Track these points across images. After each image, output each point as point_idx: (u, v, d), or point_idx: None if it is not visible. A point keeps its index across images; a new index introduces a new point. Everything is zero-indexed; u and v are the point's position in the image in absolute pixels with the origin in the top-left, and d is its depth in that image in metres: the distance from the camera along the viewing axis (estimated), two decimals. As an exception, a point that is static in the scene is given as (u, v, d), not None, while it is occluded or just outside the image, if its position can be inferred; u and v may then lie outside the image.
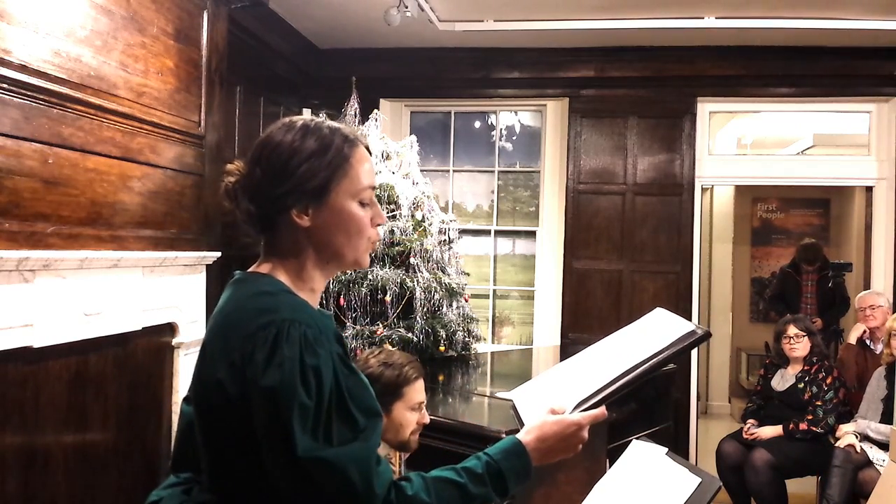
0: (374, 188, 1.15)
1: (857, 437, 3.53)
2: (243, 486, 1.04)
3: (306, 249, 1.11)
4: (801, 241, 5.95)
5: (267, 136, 1.12)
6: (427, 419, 1.94)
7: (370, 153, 1.16)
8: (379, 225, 1.15)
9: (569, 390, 1.21)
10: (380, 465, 1.03)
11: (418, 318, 3.59)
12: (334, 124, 1.14)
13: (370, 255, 1.18)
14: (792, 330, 3.86)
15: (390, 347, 1.89)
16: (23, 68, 2.17)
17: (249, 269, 1.14)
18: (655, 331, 1.23)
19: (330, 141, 1.10)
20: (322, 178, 1.08)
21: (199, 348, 3.31)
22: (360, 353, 2.02)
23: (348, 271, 3.62)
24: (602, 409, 1.17)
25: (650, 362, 1.19)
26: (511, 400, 1.33)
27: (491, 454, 1.11)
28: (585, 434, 1.16)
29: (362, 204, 1.12)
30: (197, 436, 1.09)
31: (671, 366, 3.90)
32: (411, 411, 1.87)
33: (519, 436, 1.15)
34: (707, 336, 1.24)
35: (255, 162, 1.10)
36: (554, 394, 1.22)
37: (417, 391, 1.88)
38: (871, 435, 3.52)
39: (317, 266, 1.12)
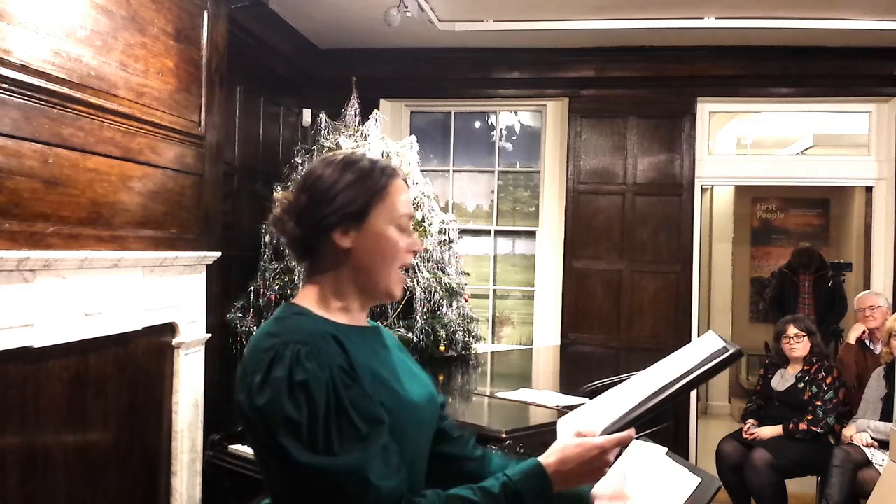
0: (410, 216, 1.24)
1: (867, 436, 3.52)
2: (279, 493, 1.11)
3: (344, 270, 1.19)
4: (798, 245, 5.95)
5: (312, 167, 1.23)
6: None
7: (408, 185, 1.26)
8: (414, 252, 1.24)
9: (604, 414, 1.18)
10: (390, 476, 1.04)
11: (418, 318, 3.60)
12: (375, 157, 1.25)
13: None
14: (792, 330, 3.86)
15: None
16: (23, 68, 2.17)
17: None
18: (694, 352, 1.20)
19: (369, 170, 1.20)
20: (361, 202, 1.17)
21: (199, 348, 3.31)
22: None
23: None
24: (629, 433, 1.14)
25: (677, 385, 1.15)
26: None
27: (510, 475, 1.11)
28: (611, 458, 1.13)
29: (400, 230, 1.21)
30: None
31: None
32: None
33: (541, 458, 1.13)
34: (738, 355, 1.17)
35: (300, 189, 1.21)
36: (591, 418, 1.19)
37: None
38: (871, 434, 3.52)
39: (353, 287, 1.20)
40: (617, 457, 1.15)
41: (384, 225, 1.19)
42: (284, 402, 1.02)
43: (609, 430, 1.13)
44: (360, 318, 1.23)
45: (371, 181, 1.19)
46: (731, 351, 1.18)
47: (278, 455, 1.03)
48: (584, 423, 1.17)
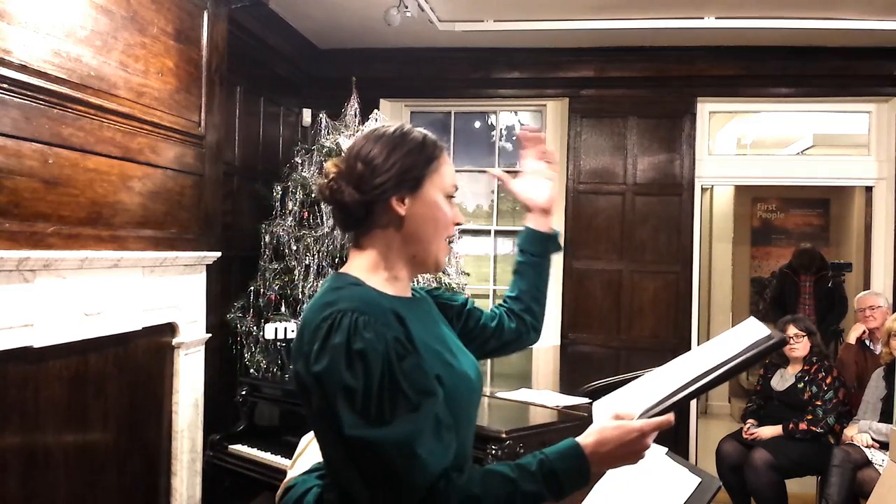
0: (456, 187, 1.28)
1: (869, 437, 3.52)
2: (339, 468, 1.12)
3: (396, 237, 1.21)
4: (798, 245, 5.95)
5: (362, 140, 1.25)
6: None
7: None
8: (457, 224, 1.27)
9: (641, 397, 1.17)
10: (437, 451, 1.05)
11: (418, 318, 3.59)
12: (423, 130, 1.28)
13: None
14: (792, 330, 3.86)
15: None
16: (23, 68, 2.17)
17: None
18: (735, 339, 1.18)
19: (422, 141, 1.24)
20: (418, 170, 1.21)
21: (199, 348, 3.31)
22: None
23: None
24: (668, 417, 1.13)
25: (719, 371, 1.13)
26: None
27: (547, 453, 1.11)
28: (649, 441, 1.13)
29: (449, 198, 1.25)
30: None
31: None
32: None
33: (579, 438, 1.13)
34: (782, 343, 1.15)
35: (354, 158, 1.22)
36: (628, 401, 1.19)
37: None
38: (872, 435, 3.52)
39: (402, 255, 1.23)
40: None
41: (436, 193, 1.22)
42: (342, 369, 1.04)
43: (648, 414, 1.12)
44: (407, 289, 1.26)
45: (425, 151, 1.23)
46: (776, 339, 1.16)
47: (332, 421, 1.05)
48: (622, 405, 1.17)
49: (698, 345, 4.92)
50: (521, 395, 2.91)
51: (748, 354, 1.14)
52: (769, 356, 1.17)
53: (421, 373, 1.09)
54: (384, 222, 1.21)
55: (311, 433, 2.01)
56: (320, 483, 1.23)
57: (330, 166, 1.24)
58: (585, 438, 1.12)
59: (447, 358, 1.17)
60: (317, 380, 1.06)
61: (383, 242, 1.21)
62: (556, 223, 5.15)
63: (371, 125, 4.06)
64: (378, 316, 1.10)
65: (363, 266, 1.21)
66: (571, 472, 1.09)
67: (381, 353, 1.05)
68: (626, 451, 1.12)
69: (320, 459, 1.23)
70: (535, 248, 1.59)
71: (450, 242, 1.28)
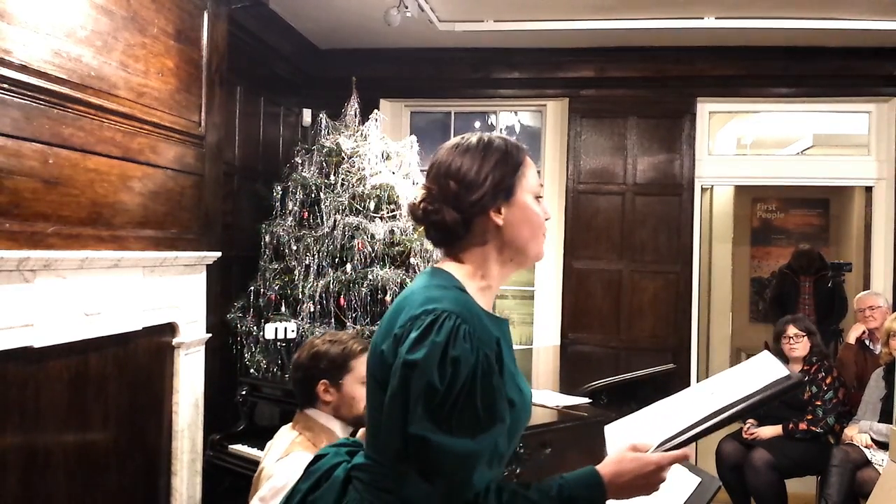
0: (542, 186, 1.33)
1: (868, 437, 3.52)
2: (388, 455, 1.13)
3: (492, 247, 1.24)
4: (798, 246, 5.94)
5: (448, 153, 1.26)
6: None
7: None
8: (547, 219, 1.30)
9: (656, 428, 1.19)
10: (485, 477, 1.07)
11: (418, 318, 3.59)
12: (502, 135, 1.31)
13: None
14: (791, 330, 3.86)
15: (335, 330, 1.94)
16: (23, 68, 2.17)
17: (438, 264, 1.28)
18: (753, 375, 1.20)
19: (506, 149, 1.26)
20: (509, 178, 1.24)
21: (199, 348, 3.31)
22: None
23: (349, 271, 3.62)
24: (684, 451, 1.17)
25: (736, 408, 1.16)
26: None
27: (567, 479, 1.14)
28: (665, 475, 1.16)
29: (538, 198, 1.28)
30: (367, 402, 1.23)
31: (671, 365, 3.92)
32: (362, 384, 1.88)
33: (598, 467, 1.16)
34: (801, 385, 1.21)
35: (444, 177, 1.24)
36: (643, 431, 1.20)
37: (365, 364, 1.90)
38: (872, 436, 3.52)
39: (498, 263, 1.25)
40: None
41: (528, 197, 1.25)
42: (434, 367, 1.05)
43: (665, 447, 1.15)
44: (493, 298, 1.28)
45: (512, 158, 1.25)
46: (794, 380, 1.19)
47: (402, 411, 1.07)
48: (638, 435, 1.20)
49: (697, 345, 4.94)
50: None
51: (766, 394, 1.17)
52: (787, 396, 1.20)
53: (498, 396, 1.10)
54: (483, 233, 1.23)
55: (287, 427, 2.03)
56: (349, 459, 1.25)
57: (421, 190, 1.27)
58: (605, 468, 1.15)
59: (520, 383, 1.20)
60: (406, 367, 1.07)
61: (481, 252, 1.24)
62: (557, 223, 5.17)
63: (371, 125, 4.06)
64: (478, 329, 1.11)
65: (462, 273, 1.23)
66: (589, 499, 1.12)
67: (471, 366, 1.07)
68: (643, 482, 1.15)
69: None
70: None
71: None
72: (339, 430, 1.94)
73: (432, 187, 1.25)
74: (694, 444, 4.34)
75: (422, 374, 1.06)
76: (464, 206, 1.22)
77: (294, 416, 2.03)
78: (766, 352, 1.27)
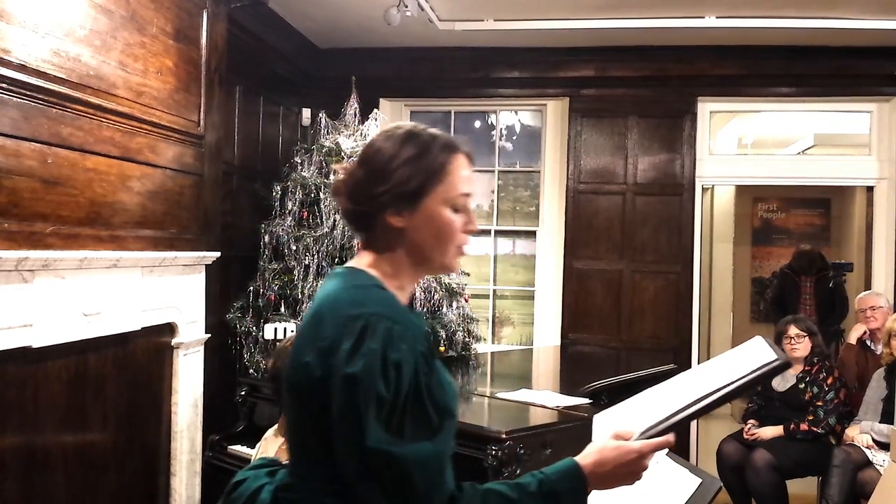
0: (469, 195, 1.18)
1: (869, 437, 3.52)
2: (319, 471, 1.08)
3: (399, 249, 1.15)
4: (799, 246, 5.93)
5: (373, 140, 1.20)
6: None
7: (471, 160, 1.20)
8: (471, 231, 1.19)
9: (643, 416, 1.16)
10: (450, 475, 1.05)
11: (418, 319, 3.59)
12: (437, 131, 1.19)
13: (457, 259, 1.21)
14: (793, 330, 3.85)
15: None
16: (22, 68, 2.17)
17: (348, 263, 1.20)
18: (741, 359, 1.17)
19: (428, 147, 1.15)
20: (417, 182, 1.13)
21: (198, 348, 3.31)
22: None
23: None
24: (668, 438, 1.13)
25: (720, 392, 1.12)
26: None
27: (546, 473, 1.10)
28: (647, 462, 1.12)
29: (455, 210, 1.16)
30: (287, 416, 1.16)
31: (672, 366, 3.91)
32: None
33: (578, 458, 1.13)
34: (786, 366, 1.14)
35: (360, 162, 1.18)
36: (630, 419, 1.18)
37: None
38: (873, 436, 3.52)
39: (408, 266, 1.17)
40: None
41: (438, 206, 1.14)
42: (377, 376, 1.00)
43: (648, 434, 1.12)
44: (407, 300, 1.21)
45: (429, 159, 1.14)
46: (779, 361, 1.15)
47: (354, 429, 1.00)
48: (623, 423, 1.17)
49: (698, 345, 4.93)
50: (521, 395, 2.91)
51: (750, 377, 1.13)
52: (772, 378, 1.16)
53: (442, 392, 1.07)
54: (385, 234, 1.15)
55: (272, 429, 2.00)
56: (271, 481, 1.19)
57: (340, 168, 1.21)
58: (585, 458, 1.12)
59: (446, 377, 1.15)
60: (348, 382, 1.01)
61: (388, 253, 1.16)
62: (557, 223, 5.17)
63: (370, 125, 4.06)
64: (410, 328, 1.07)
65: (376, 273, 1.15)
66: (570, 492, 1.09)
67: (412, 367, 1.03)
68: (625, 471, 1.11)
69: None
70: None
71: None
72: None
73: (348, 169, 1.18)
74: (695, 443, 4.28)
75: (367, 386, 0.99)
76: (359, 199, 1.14)
77: (278, 421, 2.01)
78: (758, 336, 1.22)
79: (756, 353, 1.18)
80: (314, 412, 1.06)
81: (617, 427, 1.16)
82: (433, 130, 1.18)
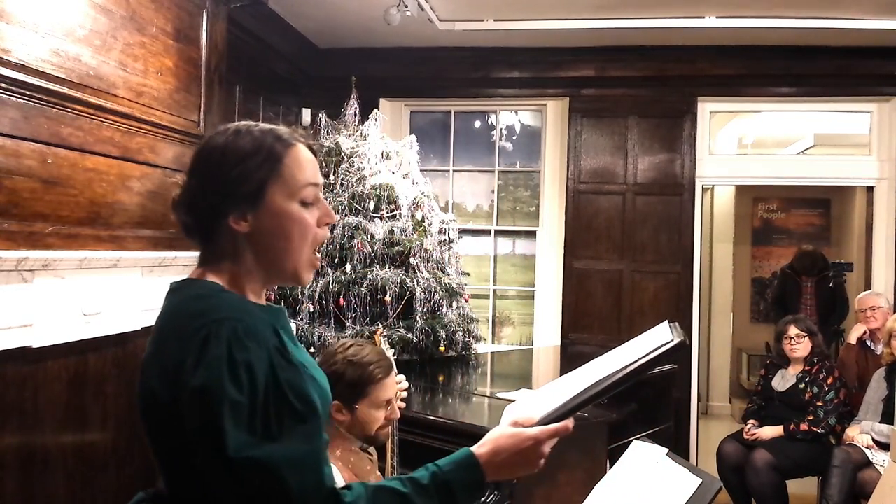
0: (316, 185, 1.10)
1: (869, 438, 3.52)
2: (191, 493, 1.02)
3: (245, 256, 1.08)
4: (800, 247, 5.93)
5: (200, 145, 1.11)
6: (397, 414, 1.89)
7: (314, 151, 1.13)
8: (328, 224, 1.11)
9: (545, 402, 1.13)
10: (327, 470, 0.99)
11: (418, 319, 3.59)
12: (269, 126, 1.11)
13: (319, 262, 1.14)
14: (793, 330, 3.86)
15: (362, 341, 1.82)
16: (22, 68, 2.17)
17: (186, 276, 1.11)
18: (643, 343, 1.14)
19: (260, 142, 1.07)
20: (255, 180, 1.05)
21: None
22: (331, 345, 1.99)
23: (349, 271, 3.62)
24: (565, 424, 1.08)
25: (614, 378, 1.08)
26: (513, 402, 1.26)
27: (440, 465, 1.06)
28: (545, 449, 1.08)
29: (304, 204, 1.08)
30: (149, 446, 1.08)
31: (671, 366, 3.91)
32: (377, 409, 1.84)
33: (474, 447, 1.09)
34: (681, 347, 1.09)
35: (191, 173, 1.09)
36: (537, 404, 1.14)
37: (385, 389, 1.85)
38: (873, 436, 3.52)
39: (254, 274, 1.09)
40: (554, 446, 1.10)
41: (284, 202, 1.06)
42: (225, 381, 0.93)
43: (546, 420, 1.09)
44: (262, 300, 1.14)
45: (263, 154, 1.06)
46: (673, 343, 1.09)
47: (212, 443, 0.93)
48: (524, 411, 1.13)
49: (698, 345, 4.93)
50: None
51: (644, 360, 1.08)
52: (668, 360, 1.09)
53: (303, 385, 1.01)
54: (229, 242, 1.07)
55: None
56: None
57: (175, 180, 1.11)
58: (480, 448, 1.08)
59: (312, 371, 1.09)
60: (195, 395, 0.94)
61: (230, 262, 1.07)
62: (557, 223, 5.17)
63: (370, 125, 4.06)
64: (257, 324, 1.00)
65: (220, 280, 1.07)
66: (465, 482, 1.05)
67: (266, 364, 0.97)
68: (522, 459, 1.08)
69: None
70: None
71: (318, 250, 1.13)
72: (351, 443, 1.86)
73: (183, 182, 1.10)
74: (695, 443, 4.28)
75: (216, 394, 0.93)
76: (198, 209, 1.07)
77: None
78: (665, 322, 1.18)
79: (657, 337, 1.14)
80: (170, 437, 1.00)
81: (517, 414, 1.12)
82: (265, 125, 1.11)
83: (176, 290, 1.10)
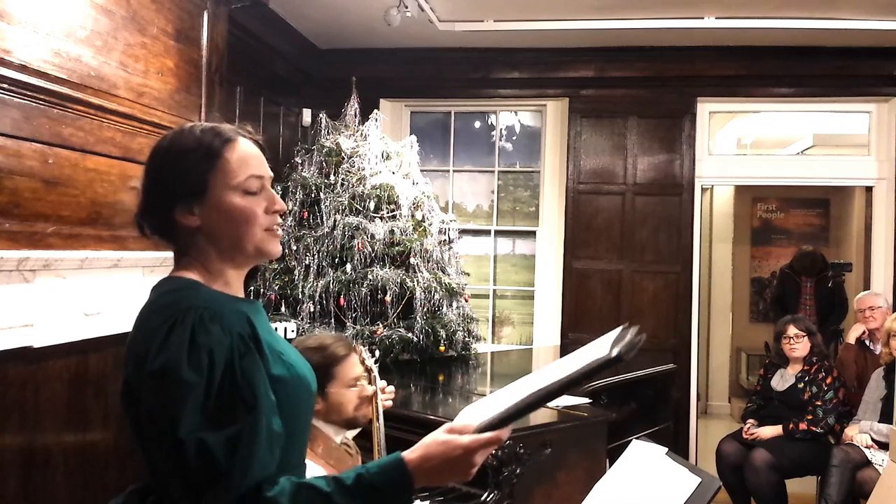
0: (260, 177, 1.15)
1: (868, 437, 3.52)
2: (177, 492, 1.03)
3: (205, 248, 1.14)
4: (800, 247, 5.93)
5: (151, 150, 1.18)
6: (368, 391, 1.89)
7: (260, 145, 1.18)
8: (276, 211, 1.16)
9: (488, 410, 1.12)
10: (265, 462, 1.00)
11: (418, 318, 3.60)
12: (211, 124, 1.17)
13: (281, 242, 1.20)
14: (792, 330, 3.86)
15: (319, 331, 1.81)
16: (23, 68, 2.17)
17: (169, 274, 1.16)
18: (588, 352, 1.12)
19: (200, 140, 1.13)
20: (197, 175, 1.11)
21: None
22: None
23: (349, 271, 3.62)
24: (498, 434, 1.07)
25: (550, 389, 1.07)
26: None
27: (369, 468, 1.07)
28: (477, 459, 1.07)
29: (249, 193, 1.13)
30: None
31: (671, 366, 3.92)
32: (348, 388, 1.85)
33: (405, 452, 1.09)
34: (615, 361, 1.05)
35: (144, 174, 1.16)
36: (476, 413, 1.13)
37: (350, 367, 1.87)
38: (872, 436, 3.52)
39: (222, 260, 1.15)
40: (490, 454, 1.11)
41: (226, 194, 1.12)
42: (182, 364, 0.97)
43: (482, 429, 1.08)
44: (240, 289, 1.19)
45: (203, 150, 1.12)
46: (605, 358, 1.06)
47: (165, 423, 0.96)
48: (462, 419, 1.13)
49: (697, 345, 4.94)
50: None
51: (577, 374, 1.07)
52: (602, 371, 1.05)
53: (260, 375, 1.04)
54: (186, 237, 1.13)
55: None
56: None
57: (133, 186, 1.18)
58: (411, 453, 1.08)
59: (287, 360, 1.13)
60: (152, 379, 0.98)
61: (196, 253, 1.14)
62: (557, 223, 5.18)
63: (371, 125, 4.06)
64: (224, 310, 1.05)
65: (192, 274, 1.13)
66: (392, 486, 1.05)
67: (227, 348, 1.01)
68: (452, 466, 1.07)
69: None
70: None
71: (279, 227, 1.18)
72: (333, 434, 1.87)
73: (140, 185, 1.16)
74: (694, 443, 4.30)
75: (173, 376, 0.97)
76: (153, 208, 1.13)
77: None
78: (619, 329, 1.14)
79: (599, 347, 1.11)
80: (144, 428, 1.03)
81: (455, 421, 1.12)
82: (209, 123, 1.17)
83: (154, 288, 1.15)
